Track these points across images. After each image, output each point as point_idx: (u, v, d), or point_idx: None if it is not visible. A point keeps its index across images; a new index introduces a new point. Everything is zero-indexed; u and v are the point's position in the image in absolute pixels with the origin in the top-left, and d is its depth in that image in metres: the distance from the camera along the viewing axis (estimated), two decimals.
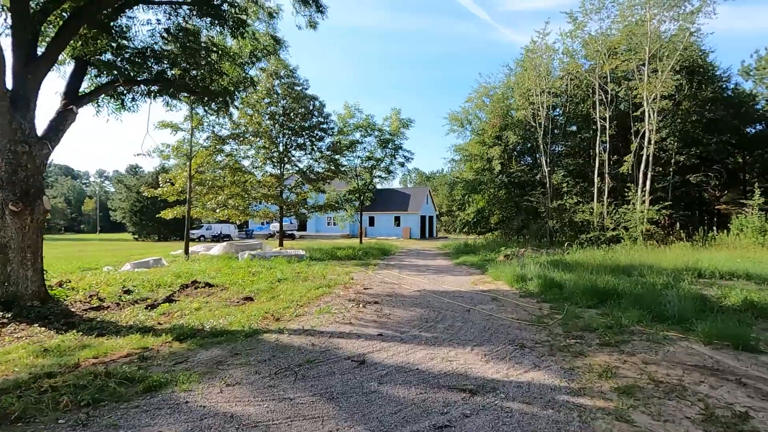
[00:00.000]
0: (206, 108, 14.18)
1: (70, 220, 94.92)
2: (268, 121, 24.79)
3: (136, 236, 45.02)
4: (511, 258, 16.69)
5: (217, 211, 22.94)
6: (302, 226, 52.64)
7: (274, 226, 45.23)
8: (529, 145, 27.34)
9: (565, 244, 17.16)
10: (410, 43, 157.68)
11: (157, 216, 21.78)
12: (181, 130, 19.80)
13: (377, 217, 49.32)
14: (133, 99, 10.63)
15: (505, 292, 9.60)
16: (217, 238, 42.13)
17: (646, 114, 20.37)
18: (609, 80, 22.31)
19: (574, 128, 26.86)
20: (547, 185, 23.64)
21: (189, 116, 19.62)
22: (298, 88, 25.55)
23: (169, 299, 8.71)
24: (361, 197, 29.30)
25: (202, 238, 42.02)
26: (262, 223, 50.67)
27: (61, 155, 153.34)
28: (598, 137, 22.49)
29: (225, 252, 22.35)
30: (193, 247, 24.03)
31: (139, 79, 10.27)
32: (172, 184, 20.70)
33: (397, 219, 48.19)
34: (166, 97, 11.94)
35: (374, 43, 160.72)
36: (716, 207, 31.39)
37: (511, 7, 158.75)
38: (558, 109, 26.58)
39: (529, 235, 23.34)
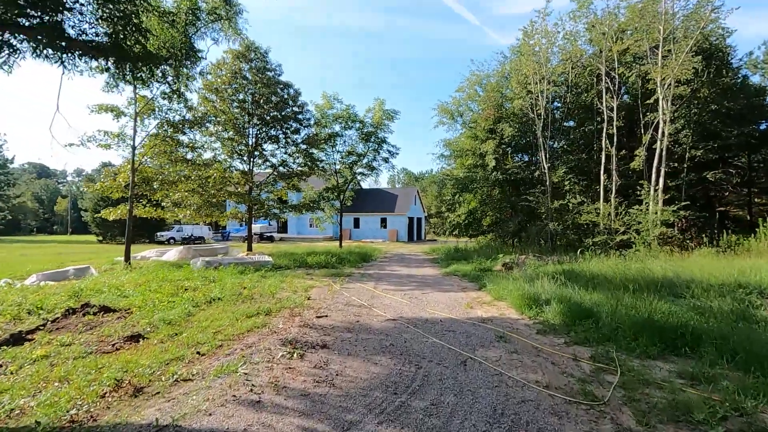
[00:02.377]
0: (130, 79, 11.21)
1: (42, 220, 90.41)
2: (236, 110, 21.84)
3: (101, 238, 41.39)
4: (510, 267, 14.04)
5: (175, 210, 19.89)
6: (283, 228, 49.63)
7: (253, 228, 42.02)
8: (524, 141, 24.82)
9: (578, 251, 14.56)
10: (400, 46, 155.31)
11: (96, 216, 18.55)
12: (125, 115, 16.78)
13: (362, 219, 46.52)
14: None
15: (513, 322, 6.87)
16: (188, 241, 38.83)
17: (660, 102, 17.95)
18: (617, 65, 19.88)
19: (572, 124, 24.44)
20: (547, 183, 21.11)
21: (133, 99, 16.67)
22: (270, 74, 22.65)
23: (15, 339, 5.80)
24: (341, 196, 26.45)
25: (171, 241, 38.66)
26: (240, 225, 47.46)
27: (36, 154, 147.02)
28: (604, 129, 20.03)
29: (180, 258, 19.44)
30: (144, 252, 20.95)
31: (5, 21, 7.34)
32: (115, 179, 17.63)
33: (384, 221, 45.44)
34: (66, 57, 9.00)
35: (364, 44, 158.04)
36: (719, 208, 29.29)
37: (501, 12, 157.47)
38: (557, 101, 24.03)
39: (527, 239, 20.79)
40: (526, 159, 25.96)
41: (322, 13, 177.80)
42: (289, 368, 4.52)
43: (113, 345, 5.53)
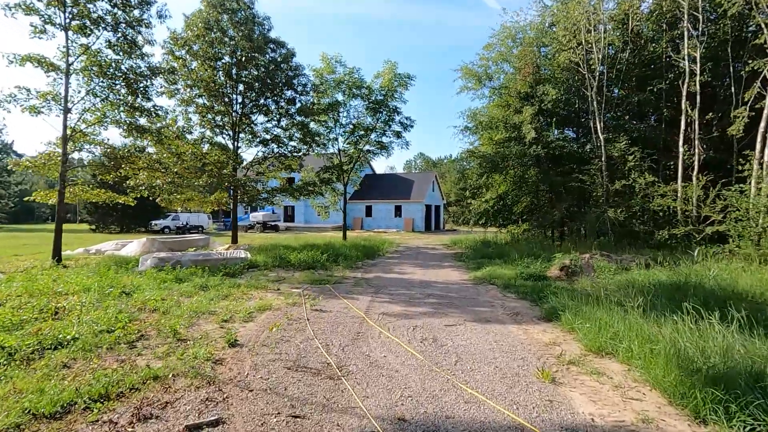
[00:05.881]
0: None
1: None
2: (213, 70, 17.73)
3: (94, 227, 38.39)
4: (573, 272, 9.62)
5: (129, 193, 16.00)
6: (291, 216, 45.96)
7: (255, 216, 38.62)
8: (568, 109, 19.99)
9: (696, 251, 9.94)
10: (416, 34, 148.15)
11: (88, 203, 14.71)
12: (58, 69, 12.89)
13: (375, 207, 42.31)
14: None
15: None
16: (183, 230, 35.50)
17: None
18: (701, 2, 14.85)
19: (615, 92, 19.37)
20: (602, 158, 16.40)
21: (65, 47, 12.78)
22: (257, 29, 18.40)
23: None
24: (344, 177, 22.19)
25: (166, 230, 35.39)
26: (246, 212, 44.11)
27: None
28: (685, 86, 15.17)
29: (141, 252, 15.86)
30: (101, 245, 17.31)
31: None
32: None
33: (398, 209, 41.10)
34: None
35: (379, 33, 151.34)
36: None
37: None
38: (601, 65, 18.58)
39: (580, 231, 16.21)
40: (572, 135, 21.11)
41: (327, 2, 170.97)
42: None
43: None
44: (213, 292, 7.64)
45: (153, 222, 36.16)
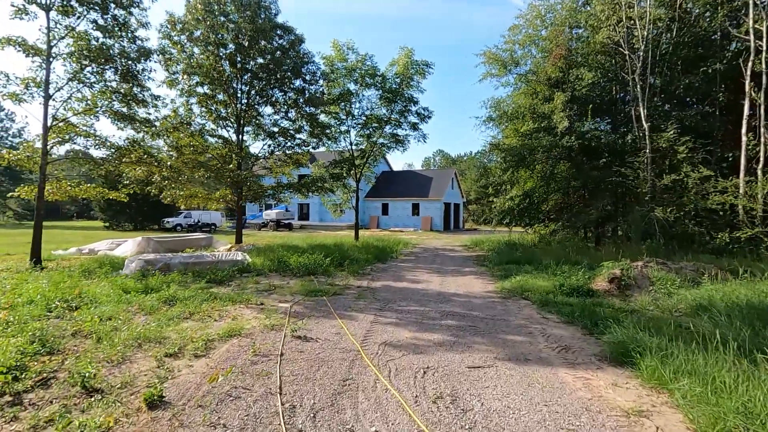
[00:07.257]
0: None
1: (83, 206, 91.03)
2: (214, 57, 16.41)
3: (107, 225, 38.06)
4: (627, 285, 7.80)
5: (121, 189, 14.85)
6: (305, 215, 44.82)
7: (269, 214, 37.64)
8: (603, 95, 17.86)
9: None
10: (427, 31, 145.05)
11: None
12: (40, 53, 11.79)
13: (391, 205, 40.67)
14: None
15: None
16: (194, 228, 34.74)
17: None
18: None
19: (658, 77, 17.02)
20: (647, 150, 14.36)
21: (45, 27, 11.66)
22: (263, 14, 16.99)
23: None
24: (355, 172, 20.61)
25: (178, 228, 34.74)
26: (260, 210, 43.36)
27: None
28: (749, 65, 13.00)
29: (136, 251, 14.88)
30: (94, 244, 16.29)
31: None
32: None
33: (416, 207, 39.35)
34: None
35: (388, 30, 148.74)
36: None
37: None
38: (645, 45, 16.32)
39: (621, 232, 14.19)
40: (608, 127, 18.91)
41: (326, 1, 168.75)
42: None
43: None
44: (179, 307, 6.19)
45: (165, 219, 35.62)
